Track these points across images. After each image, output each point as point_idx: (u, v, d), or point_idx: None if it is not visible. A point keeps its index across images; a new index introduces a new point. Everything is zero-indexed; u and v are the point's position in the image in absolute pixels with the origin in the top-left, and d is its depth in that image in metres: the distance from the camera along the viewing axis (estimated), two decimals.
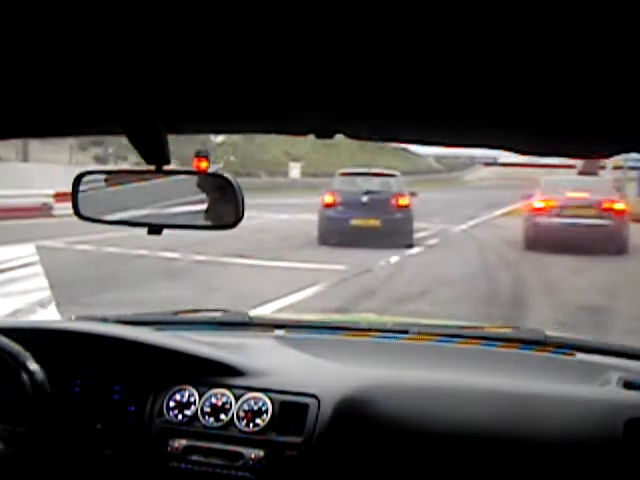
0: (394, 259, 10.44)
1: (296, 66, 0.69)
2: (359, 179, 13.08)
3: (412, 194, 13.48)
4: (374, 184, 12.77)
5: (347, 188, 12.59)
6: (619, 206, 12.07)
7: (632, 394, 1.53)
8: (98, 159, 32.29)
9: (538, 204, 12.31)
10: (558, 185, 12.92)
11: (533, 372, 1.77)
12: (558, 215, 11.86)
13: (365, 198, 12.29)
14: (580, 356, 1.85)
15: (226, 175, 1.26)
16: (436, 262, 10.50)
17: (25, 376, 1.53)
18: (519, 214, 19.69)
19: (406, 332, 1.98)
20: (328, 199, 12.47)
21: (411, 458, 1.49)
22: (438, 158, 59.34)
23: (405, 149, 48.34)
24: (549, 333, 1.95)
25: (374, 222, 12.03)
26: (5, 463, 1.50)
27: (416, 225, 12.95)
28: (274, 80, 0.75)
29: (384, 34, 0.58)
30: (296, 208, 19.83)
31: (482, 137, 1.03)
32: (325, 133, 1.01)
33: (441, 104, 0.82)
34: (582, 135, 0.95)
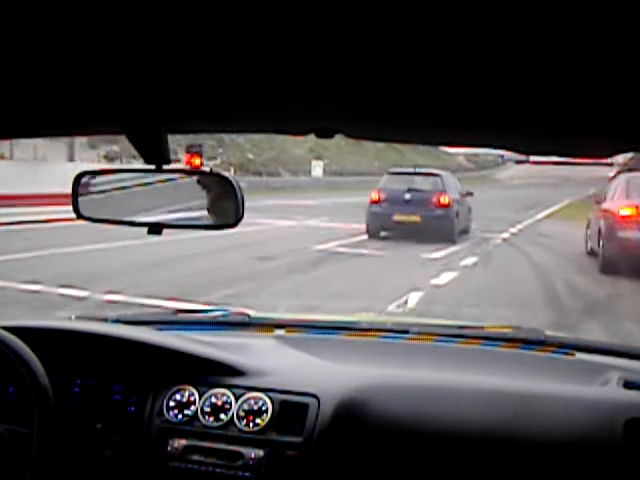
0: (414, 297, 6.44)
1: (296, 66, 0.71)
2: (405, 178, 13.45)
3: (468, 194, 13.99)
4: (418, 183, 13.13)
5: (392, 186, 13.09)
6: None
7: (632, 394, 1.54)
8: (108, 157, 29.09)
9: (624, 211, 8.17)
10: None
11: (533, 372, 1.76)
12: None
13: (407, 195, 12.71)
14: (580, 356, 1.83)
15: (226, 174, 1.25)
16: (478, 301, 6.41)
17: (26, 375, 1.53)
18: (560, 216, 16.09)
19: (406, 332, 1.97)
20: (374, 196, 13.17)
21: (411, 458, 1.50)
22: (468, 156, 56.77)
23: (435, 148, 45.57)
24: (549, 333, 1.92)
25: (415, 218, 12.45)
26: (5, 463, 1.51)
27: None
28: (274, 80, 0.76)
29: (384, 34, 0.60)
30: (309, 210, 18.26)
31: (483, 137, 1.05)
32: (325, 133, 1.01)
33: (442, 104, 0.84)
34: (582, 135, 0.96)
